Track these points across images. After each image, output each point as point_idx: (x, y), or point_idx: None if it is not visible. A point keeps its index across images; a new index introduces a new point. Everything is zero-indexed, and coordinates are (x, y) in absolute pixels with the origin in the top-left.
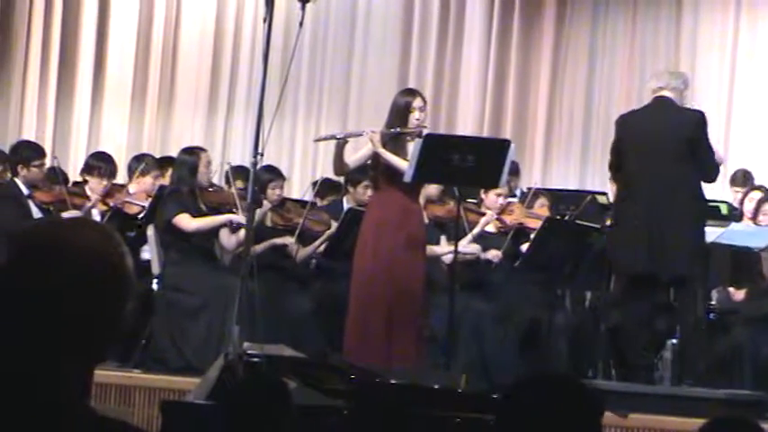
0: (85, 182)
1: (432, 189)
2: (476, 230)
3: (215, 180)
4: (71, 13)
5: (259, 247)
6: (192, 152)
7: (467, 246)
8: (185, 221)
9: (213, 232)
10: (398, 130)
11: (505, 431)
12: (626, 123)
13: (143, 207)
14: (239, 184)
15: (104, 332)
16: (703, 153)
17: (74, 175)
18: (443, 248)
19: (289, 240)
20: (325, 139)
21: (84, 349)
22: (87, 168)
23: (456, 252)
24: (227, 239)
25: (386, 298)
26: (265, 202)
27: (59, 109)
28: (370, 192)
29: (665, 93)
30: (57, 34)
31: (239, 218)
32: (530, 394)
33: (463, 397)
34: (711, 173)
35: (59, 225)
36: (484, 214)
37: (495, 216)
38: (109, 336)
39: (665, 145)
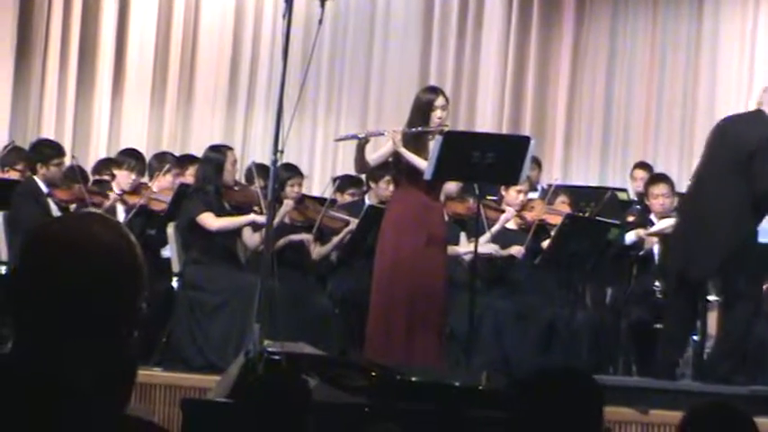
0: (112, 176)
1: (451, 186)
2: (495, 228)
3: (237, 178)
4: (91, 11)
5: (277, 244)
6: (219, 150)
7: (484, 245)
8: (209, 221)
9: (236, 231)
10: (420, 128)
11: (517, 425)
12: (718, 129)
13: (168, 204)
14: (259, 182)
15: (121, 323)
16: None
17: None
18: (463, 248)
19: (305, 236)
20: (347, 138)
21: (101, 343)
22: (116, 162)
23: (476, 250)
24: (250, 238)
25: (407, 295)
26: (288, 201)
27: (79, 107)
28: (391, 187)
29: (764, 108)
30: (76, 31)
31: (262, 219)
32: (535, 389)
33: (484, 394)
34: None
35: (71, 220)
36: (503, 211)
37: (515, 213)
38: (127, 327)
39: (727, 155)
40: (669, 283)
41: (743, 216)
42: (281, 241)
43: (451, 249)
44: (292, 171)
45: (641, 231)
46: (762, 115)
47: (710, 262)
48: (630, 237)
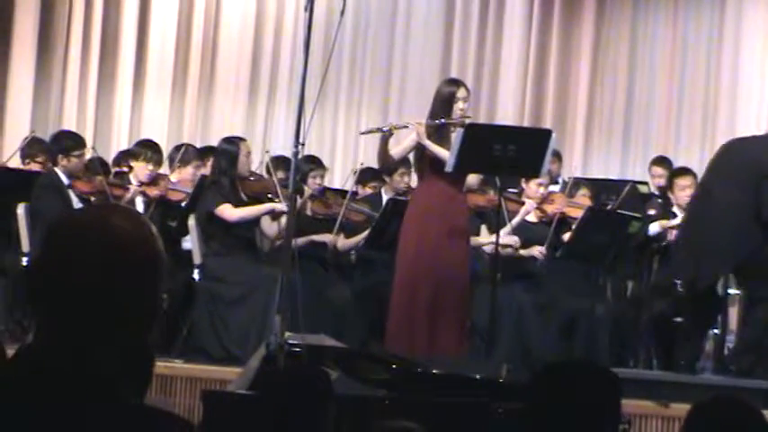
0: (130, 168)
1: (472, 179)
2: (515, 220)
3: (256, 169)
4: (112, 3)
5: (299, 242)
6: (232, 142)
7: (505, 237)
8: (228, 212)
9: (255, 221)
10: (443, 120)
11: (535, 417)
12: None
13: (186, 194)
14: (280, 174)
15: (142, 313)
16: None
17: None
18: (483, 239)
19: (328, 238)
20: (371, 132)
21: (123, 332)
22: (133, 154)
23: (497, 242)
24: (269, 227)
25: (430, 287)
26: (305, 188)
27: (100, 98)
28: (406, 179)
29: None
30: (98, 23)
31: (282, 206)
32: (552, 381)
33: (505, 387)
34: None
35: (91, 212)
36: (524, 203)
37: (535, 206)
38: (147, 316)
39: (740, 175)
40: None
41: (751, 229)
42: (302, 240)
43: (473, 240)
44: (314, 163)
45: (665, 222)
46: None
47: (716, 271)
48: (654, 228)
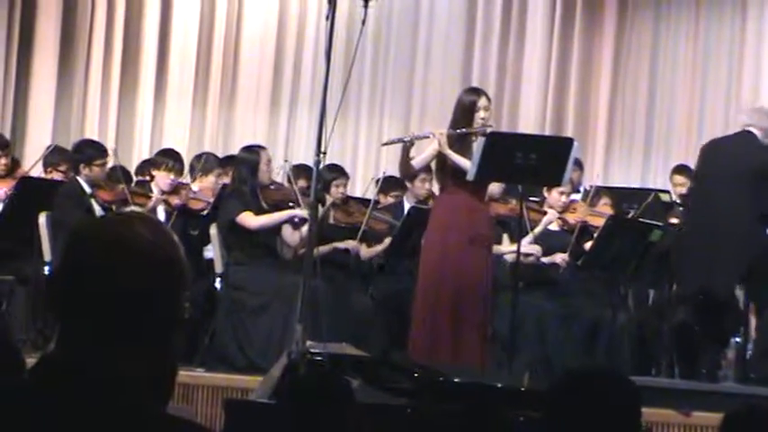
0: (152, 177)
1: (494, 187)
2: (538, 229)
3: (277, 179)
4: (133, 12)
5: (322, 249)
6: (253, 150)
7: (527, 246)
8: (249, 219)
9: (276, 229)
10: (464, 130)
11: (553, 426)
12: (708, 150)
13: (208, 203)
14: (302, 182)
15: (164, 321)
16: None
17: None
18: (505, 248)
19: (351, 244)
20: (393, 142)
21: (145, 341)
22: (155, 163)
23: (519, 251)
24: (291, 235)
25: (452, 296)
26: (327, 197)
27: (122, 107)
28: (427, 185)
29: (750, 129)
30: (119, 33)
31: (303, 213)
32: (570, 389)
33: (526, 395)
34: None
35: (113, 220)
36: (546, 213)
37: (558, 215)
38: (170, 325)
39: (732, 176)
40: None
41: (755, 225)
42: (326, 248)
43: (495, 249)
44: (337, 172)
45: None
46: (751, 137)
47: (733, 276)
48: None
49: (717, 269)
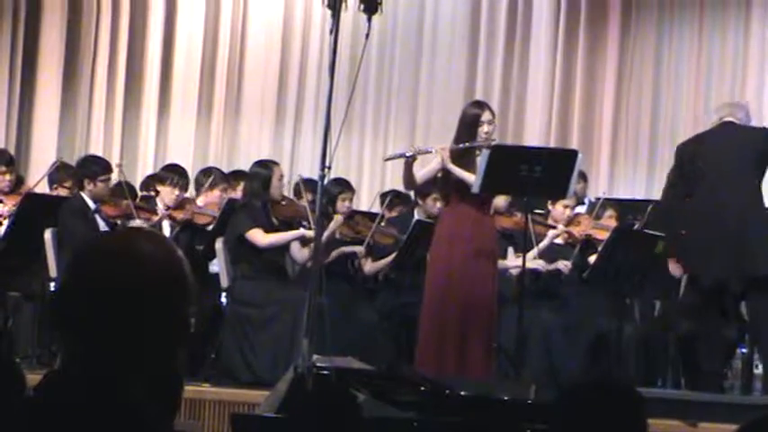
0: (156, 193)
1: (499, 201)
2: (543, 244)
3: (285, 192)
4: (137, 27)
5: (330, 256)
6: (266, 165)
7: (531, 261)
8: (259, 237)
9: (284, 246)
10: (467, 144)
11: None
12: (691, 148)
13: (213, 217)
14: (308, 196)
15: (170, 337)
16: None
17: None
18: (510, 262)
19: (358, 249)
20: (395, 158)
21: (151, 357)
22: (160, 178)
23: (524, 264)
24: (299, 252)
25: (458, 309)
26: (338, 216)
27: (126, 123)
28: (439, 204)
29: (730, 119)
30: (123, 48)
31: (311, 233)
32: (576, 400)
33: (533, 408)
34: None
35: (117, 236)
36: (551, 226)
37: (564, 230)
38: (175, 340)
39: (735, 162)
40: (694, 292)
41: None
42: (334, 253)
43: (500, 263)
44: (343, 186)
45: None
46: (735, 125)
47: (753, 265)
48: None
49: (740, 259)
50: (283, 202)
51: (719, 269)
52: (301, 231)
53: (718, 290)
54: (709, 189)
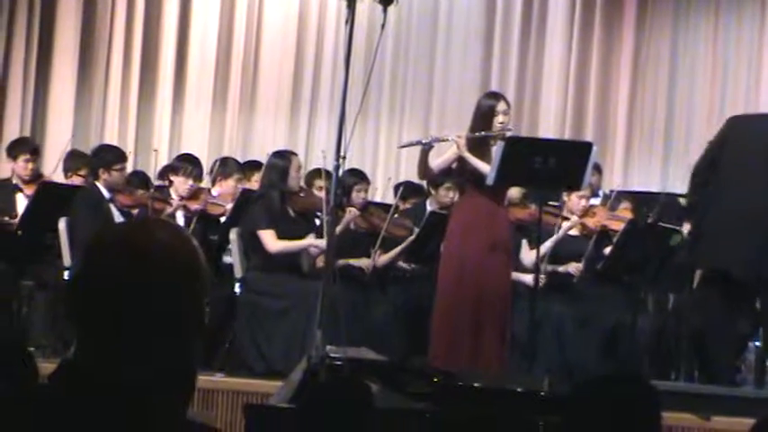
0: (170, 182)
1: (513, 192)
2: (558, 235)
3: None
4: (152, 17)
5: (338, 263)
6: (283, 156)
7: (522, 276)
8: (270, 241)
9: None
10: (483, 134)
11: (571, 430)
12: (739, 124)
13: (226, 208)
14: (324, 183)
15: (185, 327)
16: None
17: (155, 178)
18: (526, 258)
19: (365, 263)
20: (411, 145)
21: (165, 346)
22: (173, 168)
23: (538, 256)
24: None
25: (472, 301)
26: (353, 209)
27: (141, 112)
28: (452, 194)
29: None
30: (138, 38)
31: (321, 243)
32: (589, 393)
33: (546, 400)
34: None
35: (132, 225)
36: (565, 218)
37: (579, 222)
38: (189, 330)
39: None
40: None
41: None
42: (341, 263)
43: (514, 275)
44: (358, 177)
45: None
46: None
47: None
48: None
49: (742, 253)
50: (301, 194)
51: (750, 263)
52: (311, 241)
53: (744, 284)
54: (744, 177)
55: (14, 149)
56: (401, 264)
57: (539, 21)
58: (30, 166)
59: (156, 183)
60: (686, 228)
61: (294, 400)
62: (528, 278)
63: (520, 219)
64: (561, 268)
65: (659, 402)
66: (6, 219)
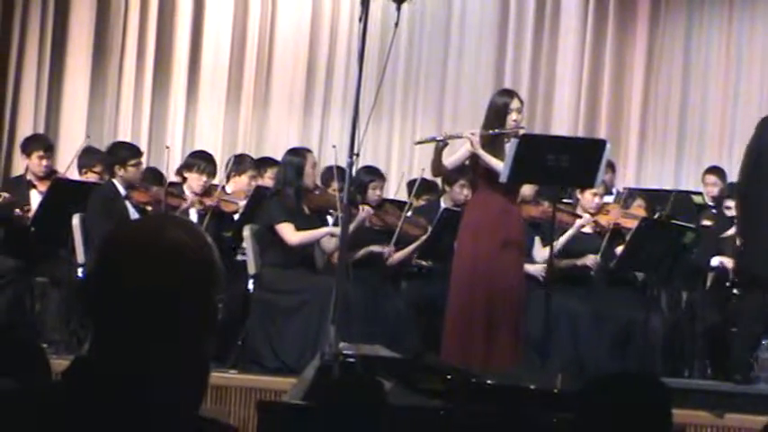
0: (184, 179)
1: (526, 190)
2: (570, 232)
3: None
4: (166, 13)
5: (358, 254)
6: (299, 153)
7: (532, 268)
8: (289, 233)
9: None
10: (497, 131)
11: (583, 427)
12: None
13: (240, 205)
14: (336, 185)
15: (198, 323)
16: None
17: (169, 174)
18: (539, 256)
19: (387, 248)
20: (425, 142)
21: (179, 343)
22: (187, 165)
23: (551, 253)
24: (327, 242)
25: (485, 298)
26: (367, 208)
27: (155, 109)
28: (466, 191)
29: None
30: (152, 34)
31: (339, 231)
32: (601, 390)
33: (559, 397)
34: None
35: (146, 222)
36: (578, 216)
37: (591, 220)
38: (203, 327)
39: None
40: (743, 283)
41: None
42: (362, 252)
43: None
44: (374, 174)
45: (725, 260)
46: None
47: None
48: (715, 261)
49: None
50: (316, 191)
51: (756, 265)
52: (330, 228)
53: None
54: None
55: (28, 146)
56: (419, 261)
57: (552, 18)
58: (43, 162)
59: (173, 179)
60: (701, 224)
61: (307, 397)
62: (538, 268)
63: (532, 216)
64: (579, 261)
65: (670, 400)
66: (19, 211)
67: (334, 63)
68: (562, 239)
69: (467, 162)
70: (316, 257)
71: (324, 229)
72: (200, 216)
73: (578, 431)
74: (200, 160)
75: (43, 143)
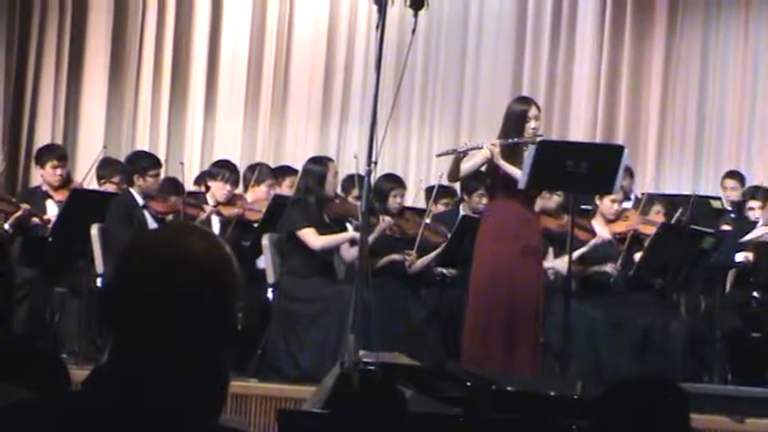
0: (207, 188)
1: (551, 202)
2: (583, 249)
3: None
4: (183, 24)
5: (379, 262)
6: (321, 162)
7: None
8: (312, 238)
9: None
10: (516, 140)
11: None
12: None
13: (261, 213)
14: (355, 192)
15: (218, 333)
16: None
17: (188, 184)
18: (550, 263)
19: (408, 255)
20: (447, 153)
21: (198, 352)
22: (211, 174)
23: (570, 263)
24: (347, 251)
25: (504, 305)
26: (387, 218)
27: (172, 119)
28: (485, 200)
29: None
30: (169, 45)
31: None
32: (620, 397)
33: (579, 404)
34: None
35: (165, 232)
36: (593, 233)
37: (609, 239)
38: (223, 336)
39: None
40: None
41: None
42: (384, 260)
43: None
44: (394, 182)
45: (750, 255)
46: None
47: None
48: (740, 257)
49: None
50: (336, 200)
51: None
52: (353, 234)
53: None
54: None
55: (42, 156)
56: (441, 269)
57: (569, 24)
58: (58, 171)
59: (191, 189)
60: (720, 228)
61: (327, 405)
62: (564, 262)
63: (549, 228)
64: (597, 268)
65: (689, 405)
66: (37, 220)
67: (352, 71)
68: (576, 254)
69: (483, 168)
70: (336, 267)
71: (346, 234)
72: (223, 225)
73: None
74: (224, 169)
75: (56, 153)
